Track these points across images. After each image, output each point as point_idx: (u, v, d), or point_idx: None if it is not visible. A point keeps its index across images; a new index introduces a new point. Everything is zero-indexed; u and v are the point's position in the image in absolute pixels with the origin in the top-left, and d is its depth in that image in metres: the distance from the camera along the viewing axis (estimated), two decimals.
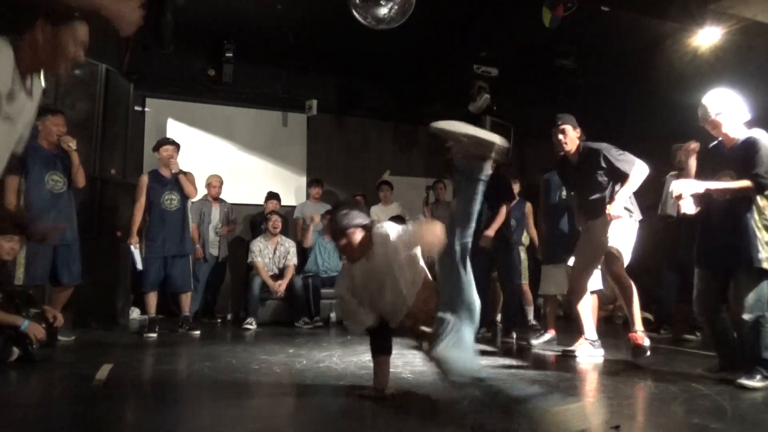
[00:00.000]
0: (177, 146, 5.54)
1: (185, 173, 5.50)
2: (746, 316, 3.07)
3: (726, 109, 3.27)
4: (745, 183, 3.13)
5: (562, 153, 4.30)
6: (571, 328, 4.86)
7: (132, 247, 5.28)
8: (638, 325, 3.78)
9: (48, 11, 1.92)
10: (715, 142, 3.44)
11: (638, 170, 3.89)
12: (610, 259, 3.90)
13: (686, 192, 3.26)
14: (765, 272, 3.07)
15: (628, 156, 3.94)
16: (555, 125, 4.15)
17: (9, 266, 4.04)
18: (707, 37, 5.96)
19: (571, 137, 4.11)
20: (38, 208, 4.46)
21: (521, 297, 6.26)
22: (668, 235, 5.43)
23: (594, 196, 4.01)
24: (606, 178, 3.97)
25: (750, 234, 3.10)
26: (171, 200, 5.39)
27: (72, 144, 4.60)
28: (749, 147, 3.19)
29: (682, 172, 5.34)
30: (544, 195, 5.10)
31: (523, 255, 6.46)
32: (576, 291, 4.22)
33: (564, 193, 4.84)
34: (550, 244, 4.96)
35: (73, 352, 4.25)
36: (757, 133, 3.23)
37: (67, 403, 2.79)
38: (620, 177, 3.92)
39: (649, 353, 3.70)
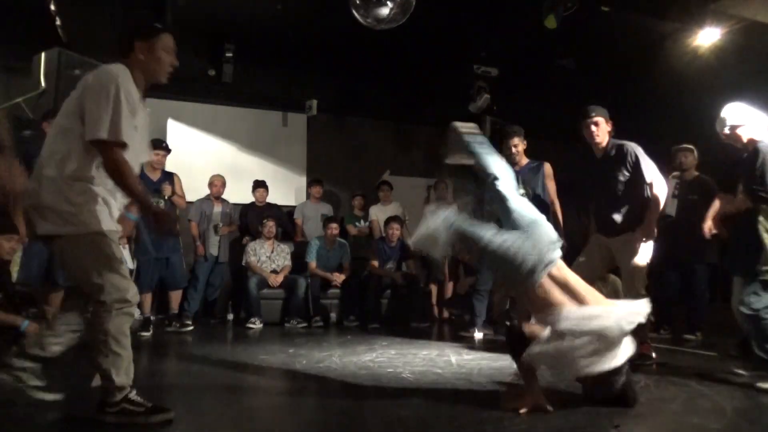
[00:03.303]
0: (167, 151, 5.69)
1: (171, 175, 5.65)
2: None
3: (745, 121, 3.36)
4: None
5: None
6: None
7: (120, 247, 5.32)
8: (647, 337, 3.88)
9: (139, 32, 2.31)
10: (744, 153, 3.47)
11: (661, 189, 3.82)
12: (633, 275, 3.85)
13: None
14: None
15: (653, 166, 3.86)
16: (588, 116, 3.96)
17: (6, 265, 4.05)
18: (707, 37, 5.97)
19: (603, 129, 3.95)
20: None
21: None
22: (668, 235, 5.43)
23: (614, 212, 3.88)
24: (626, 177, 3.85)
25: (758, 245, 3.19)
26: (158, 202, 5.42)
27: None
28: (753, 158, 3.27)
29: (684, 173, 5.39)
30: None
31: None
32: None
33: (521, 191, 4.75)
34: None
35: (73, 352, 4.24)
36: (762, 144, 3.29)
37: (66, 403, 2.78)
38: (639, 181, 3.81)
39: (651, 362, 3.80)
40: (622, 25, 6.20)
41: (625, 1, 5.78)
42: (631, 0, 5.82)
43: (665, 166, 5.46)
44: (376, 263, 6.59)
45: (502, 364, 3.79)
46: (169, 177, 5.64)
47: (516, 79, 7.56)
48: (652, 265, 3.96)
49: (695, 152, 5.39)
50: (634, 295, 3.89)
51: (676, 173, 5.44)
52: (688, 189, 5.32)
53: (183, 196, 5.78)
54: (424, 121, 8.80)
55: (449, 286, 7.19)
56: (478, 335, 5.17)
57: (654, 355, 3.85)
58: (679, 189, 5.40)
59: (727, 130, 3.41)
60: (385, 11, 4.62)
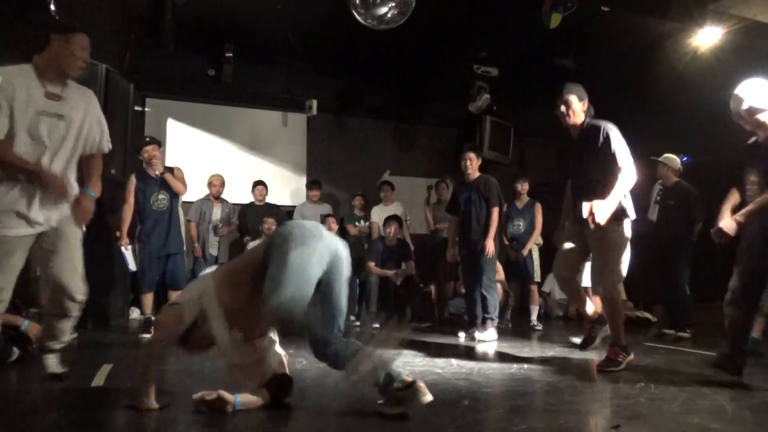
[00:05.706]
0: (158, 144, 5.46)
1: (172, 169, 5.46)
2: None
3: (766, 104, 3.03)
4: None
5: (567, 128, 3.82)
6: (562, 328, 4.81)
7: (122, 248, 5.28)
8: (620, 341, 3.61)
9: (56, 27, 2.63)
10: (753, 139, 3.21)
11: (626, 177, 3.47)
12: (603, 268, 3.56)
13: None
14: None
15: (626, 150, 3.55)
16: (558, 96, 3.69)
17: None
18: (707, 37, 5.98)
19: (575, 109, 3.66)
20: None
21: (530, 297, 6.37)
22: (650, 239, 5.51)
23: (586, 198, 3.51)
24: (599, 159, 3.52)
25: None
26: (161, 200, 5.36)
27: None
28: None
29: (666, 180, 5.47)
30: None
31: (536, 254, 6.49)
32: (570, 291, 4.00)
33: None
34: None
35: (73, 352, 4.24)
36: None
37: (67, 403, 2.79)
38: (610, 165, 3.48)
39: (620, 368, 3.54)
40: (622, 25, 6.20)
41: (625, 1, 5.79)
42: (631, 0, 5.82)
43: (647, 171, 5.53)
44: (372, 264, 6.54)
45: (503, 364, 3.79)
46: (170, 170, 5.46)
47: (516, 79, 7.56)
48: (633, 267, 3.68)
49: (668, 163, 5.41)
50: (602, 293, 3.56)
51: (660, 180, 5.57)
52: (667, 195, 5.45)
53: (183, 183, 5.50)
54: (424, 121, 8.81)
55: (449, 286, 7.19)
56: (479, 335, 5.15)
57: (621, 360, 3.57)
58: (661, 195, 5.54)
59: (743, 111, 3.06)
60: (384, 11, 4.62)
